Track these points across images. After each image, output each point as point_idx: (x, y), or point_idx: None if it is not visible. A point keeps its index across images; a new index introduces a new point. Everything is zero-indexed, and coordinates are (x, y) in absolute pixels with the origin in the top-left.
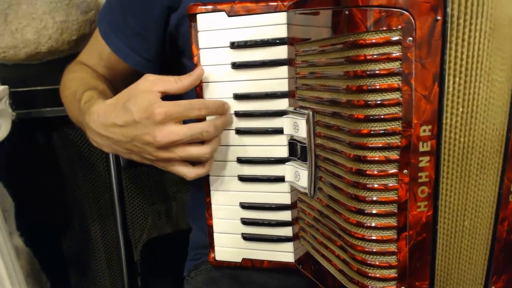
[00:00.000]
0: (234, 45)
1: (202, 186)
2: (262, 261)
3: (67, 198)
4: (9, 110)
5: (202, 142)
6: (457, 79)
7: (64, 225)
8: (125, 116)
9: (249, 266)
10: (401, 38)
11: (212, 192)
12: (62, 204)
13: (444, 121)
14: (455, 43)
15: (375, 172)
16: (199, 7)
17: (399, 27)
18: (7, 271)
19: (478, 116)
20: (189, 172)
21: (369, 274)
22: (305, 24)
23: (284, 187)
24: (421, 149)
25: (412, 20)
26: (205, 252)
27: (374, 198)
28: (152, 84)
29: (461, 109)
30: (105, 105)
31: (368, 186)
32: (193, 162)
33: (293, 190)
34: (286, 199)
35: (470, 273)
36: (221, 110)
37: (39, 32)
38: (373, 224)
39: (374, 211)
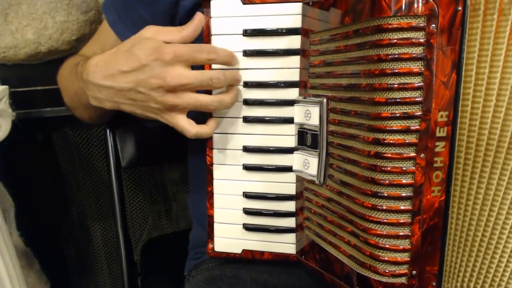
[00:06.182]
0: (247, 33)
1: (204, 181)
2: (262, 253)
3: (67, 198)
4: (9, 110)
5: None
6: (478, 68)
7: (64, 225)
8: (131, 61)
9: (248, 257)
10: (425, 24)
11: (215, 181)
12: (62, 204)
13: (460, 108)
14: (479, 35)
15: (393, 156)
16: None
17: (424, 14)
18: (7, 271)
19: (498, 106)
20: (191, 127)
21: (381, 258)
22: (320, 19)
23: (289, 177)
24: (437, 134)
25: (436, 8)
26: (205, 251)
27: (391, 181)
28: (156, 33)
29: (479, 98)
30: (104, 55)
31: (385, 169)
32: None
33: (299, 180)
34: (291, 189)
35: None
36: (230, 59)
37: (39, 32)
38: (388, 207)
39: (390, 194)
